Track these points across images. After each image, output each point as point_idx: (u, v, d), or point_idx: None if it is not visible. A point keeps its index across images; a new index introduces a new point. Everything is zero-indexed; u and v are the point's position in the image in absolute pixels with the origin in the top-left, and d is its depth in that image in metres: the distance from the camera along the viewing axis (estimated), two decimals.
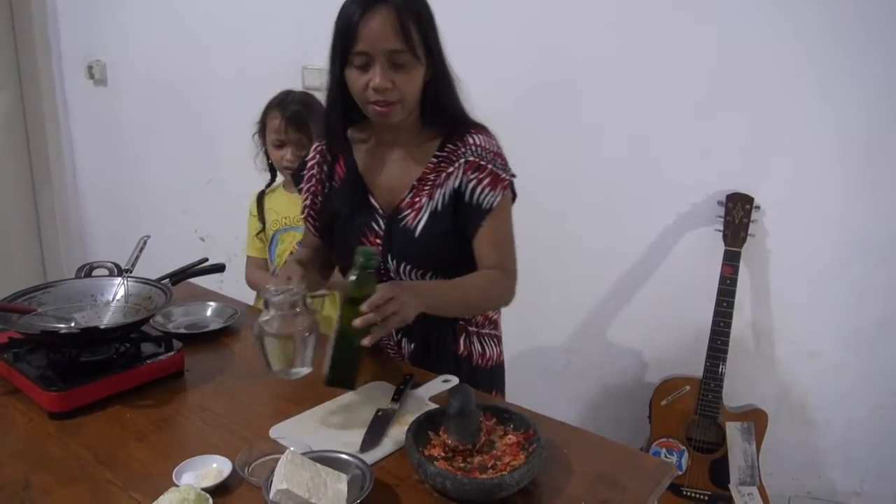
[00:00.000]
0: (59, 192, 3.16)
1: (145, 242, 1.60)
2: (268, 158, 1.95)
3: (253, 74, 2.60)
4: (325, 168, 1.41)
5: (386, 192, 1.36)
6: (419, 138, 1.34)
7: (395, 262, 1.34)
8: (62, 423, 1.18)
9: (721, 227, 2.07)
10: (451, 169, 1.30)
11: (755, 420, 2.07)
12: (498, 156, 1.32)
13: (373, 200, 1.36)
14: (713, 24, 2.04)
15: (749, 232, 2.04)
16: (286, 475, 0.90)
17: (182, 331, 1.57)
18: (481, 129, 1.34)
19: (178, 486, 0.98)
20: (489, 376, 1.48)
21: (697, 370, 2.08)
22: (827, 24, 1.93)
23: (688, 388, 2.09)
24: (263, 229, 1.97)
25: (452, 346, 1.44)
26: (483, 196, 1.29)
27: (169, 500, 0.92)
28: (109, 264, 1.53)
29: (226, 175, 2.80)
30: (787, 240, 2.11)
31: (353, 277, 1.08)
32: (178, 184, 2.92)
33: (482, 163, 1.29)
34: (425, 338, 1.43)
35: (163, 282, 1.50)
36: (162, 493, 0.94)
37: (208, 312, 1.68)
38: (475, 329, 1.46)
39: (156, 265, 1.58)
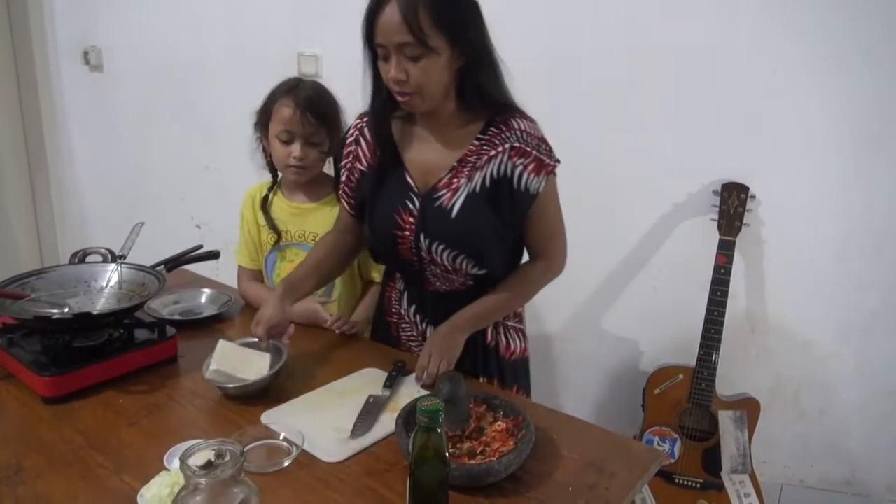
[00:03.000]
0: (55, 178, 3.15)
1: (140, 229, 1.60)
2: (267, 155, 1.67)
3: (249, 61, 2.59)
4: (364, 144, 1.39)
5: (423, 171, 1.34)
6: (459, 120, 1.32)
7: (427, 241, 1.32)
8: (55, 408, 1.19)
9: (716, 217, 2.06)
10: (493, 152, 1.29)
11: (748, 409, 2.08)
12: (542, 141, 1.31)
13: (408, 178, 1.34)
14: (711, 15, 2.03)
15: (744, 221, 2.04)
16: (217, 360, 1.26)
17: (176, 317, 1.58)
18: (523, 114, 1.33)
19: (168, 470, 0.99)
20: (513, 369, 1.47)
21: (691, 359, 2.08)
22: (823, 15, 1.92)
23: (681, 376, 2.10)
24: (280, 238, 1.66)
25: (480, 336, 1.43)
26: (529, 181, 1.28)
27: (159, 485, 0.93)
28: (103, 250, 1.54)
29: (223, 162, 2.79)
30: (782, 229, 2.11)
31: (418, 435, 0.87)
32: (174, 170, 2.92)
33: (527, 148, 1.28)
34: None
35: (157, 268, 1.50)
36: (153, 478, 0.96)
37: (202, 299, 1.68)
38: (501, 321, 1.45)
39: (152, 252, 1.59)
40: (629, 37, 2.11)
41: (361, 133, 1.39)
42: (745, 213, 2.03)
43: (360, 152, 1.39)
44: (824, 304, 2.14)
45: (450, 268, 1.34)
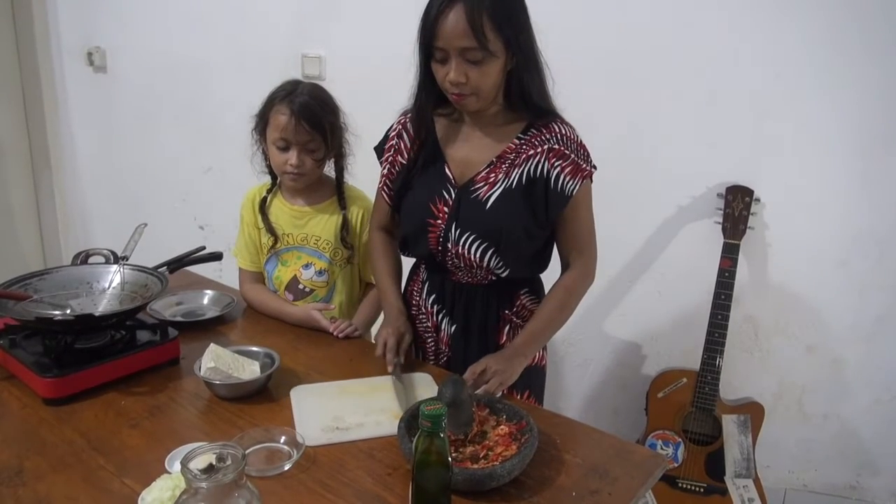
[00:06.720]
0: (58, 179, 3.16)
1: (142, 230, 1.59)
2: (266, 160, 1.64)
3: (252, 62, 2.59)
4: (406, 139, 1.42)
5: (462, 164, 1.37)
6: (503, 119, 1.36)
7: (457, 231, 1.34)
8: (56, 410, 1.19)
9: (720, 220, 2.06)
10: (532, 152, 1.32)
11: (751, 413, 2.07)
12: (581, 146, 1.35)
13: (447, 171, 1.37)
14: (715, 18, 2.02)
15: (748, 225, 2.03)
16: (213, 358, 1.25)
17: (178, 319, 1.57)
18: (563, 119, 1.36)
19: (169, 473, 0.98)
20: (526, 375, 1.38)
21: (695, 363, 2.07)
22: (829, 18, 1.92)
23: (685, 380, 2.09)
24: (277, 242, 1.64)
25: (494, 335, 1.44)
26: (565, 183, 1.32)
27: (160, 488, 0.92)
28: (106, 251, 1.53)
29: (225, 163, 2.79)
30: (787, 233, 2.10)
31: (421, 440, 0.87)
32: (177, 171, 2.92)
33: (566, 151, 1.32)
34: (467, 322, 1.44)
35: (160, 270, 1.50)
36: (154, 480, 0.95)
37: (205, 301, 1.68)
38: (519, 322, 1.44)
39: (155, 253, 1.58)
40: (633, 40, 2.11)
41: (404, 128, 1.42)
42: (750, 217, 2.03)
43: (402, 146, 1.43)
44: (829, 309, 2.13)
45: (475, 263, 1.36)
